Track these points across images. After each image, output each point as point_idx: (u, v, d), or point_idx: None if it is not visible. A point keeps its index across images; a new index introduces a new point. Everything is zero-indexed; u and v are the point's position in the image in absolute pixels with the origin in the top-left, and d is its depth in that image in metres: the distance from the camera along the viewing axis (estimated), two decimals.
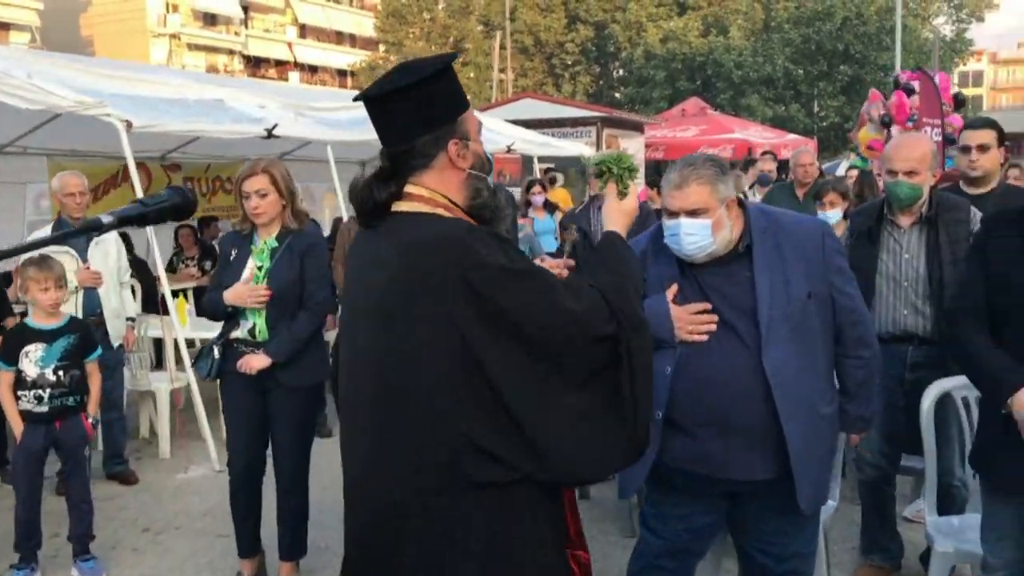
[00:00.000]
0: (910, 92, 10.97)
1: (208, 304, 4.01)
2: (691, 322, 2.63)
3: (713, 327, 2.62)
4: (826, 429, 2.74)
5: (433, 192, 1.99)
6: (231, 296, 3.82)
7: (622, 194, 2.34)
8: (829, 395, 2.75)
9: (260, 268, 3.87)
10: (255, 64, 53.59)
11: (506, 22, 34.99)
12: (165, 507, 5.29)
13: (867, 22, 29.61)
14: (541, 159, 12.57)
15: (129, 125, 5.95)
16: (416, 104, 1.95)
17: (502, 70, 35.54)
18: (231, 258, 3.93)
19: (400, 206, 1.99)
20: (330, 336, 5.15)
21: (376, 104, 1.99)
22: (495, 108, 16.35)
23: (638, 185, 2.45)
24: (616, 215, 2.30)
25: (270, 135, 7.08)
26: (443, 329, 1.83)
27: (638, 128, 16.77)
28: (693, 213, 2.59)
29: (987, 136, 4.38)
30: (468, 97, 2.13)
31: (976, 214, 3.75)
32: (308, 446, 4.01)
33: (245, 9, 53.53)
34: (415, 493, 1.89)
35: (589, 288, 1.95)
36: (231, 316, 3.91)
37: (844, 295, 2.72)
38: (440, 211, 1.97)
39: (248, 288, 3.81)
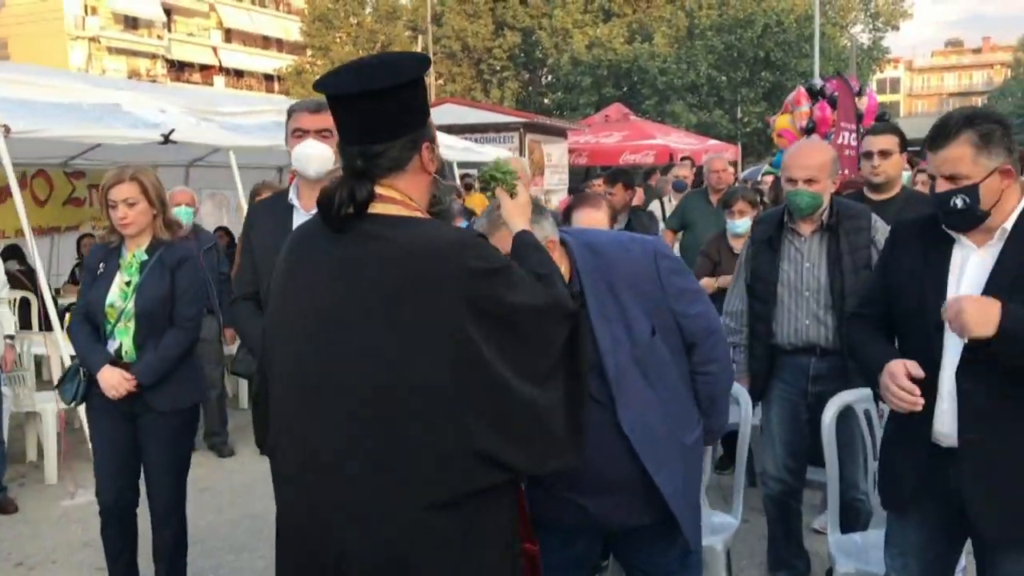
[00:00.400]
0: (834, 104, 11.08)
1: (71, 333, 3.74)
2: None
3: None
4: (696, 459, 2.62)
5: (403, 195, 1.93)
6: (103, 384, 3.56)
7: (513, 194, 2.26)
8: (693, 421, 2.59)
9: (128, 283, 3.60)
10: (179, 68, 52.39)
11: (427, 26, 34.79)
12: (43, 538, 4.95)
13: (787, 30, 30.16)
14: (461, 164, 12.38)
15: (7, 130, 5.60)
16: (400, 104, 1.90)
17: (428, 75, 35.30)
18: (98, 273, 3.65)
19: (376, 208, 1.90)
20: (231, 350, 4.86)
21: (355, 101, 1.89)
22: None
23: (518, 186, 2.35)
24: (516, 214, 2.23)
25: (167, 140, 6.77)
26: (450, 332, 1.80)
27: (561, 134, 16.73)
28: None
29: (889, 142, 4.34)
30: None
31: (877, 221, 3.68)
32: (184, 473, 3.75)
33: (168, 12, 52.31)
34: (425, 510, 1.81)
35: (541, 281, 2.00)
36: (96, 336, 3.63)
37: (689, 318, 2.52)
38: (416, 214, 1.93)
39: (119, 376, 3.54)
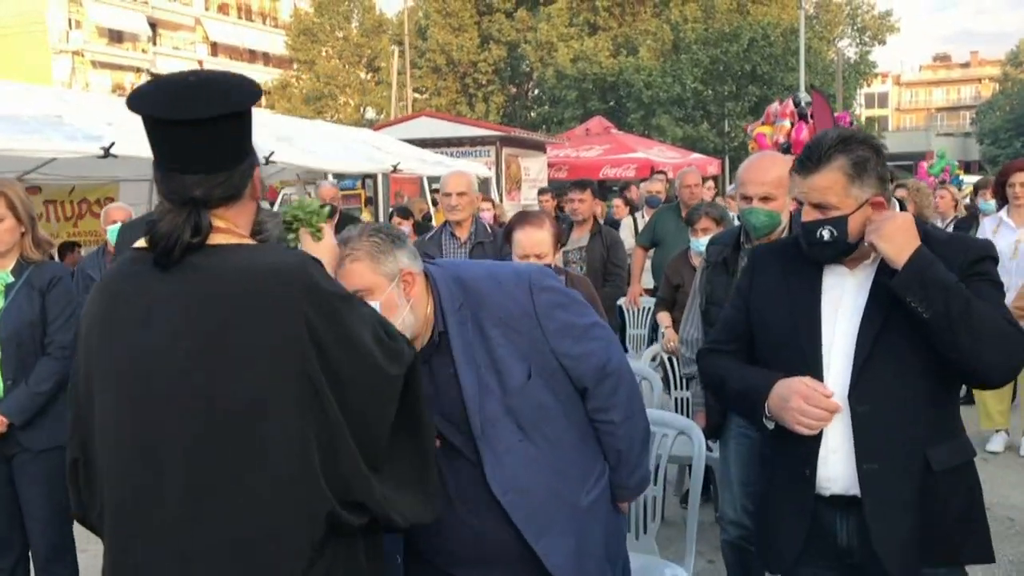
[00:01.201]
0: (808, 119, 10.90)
1: None
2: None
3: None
4: (596, 521, 2.25)
5: (231, 223, 1.77)
6: None
7: (316, 237, 2.08)
8: (591, 476, 2.25)
9: None
10: None
11: (405, 38, 34.62)
12: None
13: (773, 43, 30.05)
14: (433, 179, 12.08)
15: None
16: (240, 127, 1.75)
17: (414, 89, 35.11)
18: None
19: (212, 239, 1.73)
20: None
21: (200, 125, 1.69)
22: (391, 126, 15.84)
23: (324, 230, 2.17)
24: (322, 257, 1.97)
25: (107, 154, 6.43)
26: (294, 359, 1.66)
27: (540, 147, 16.45)
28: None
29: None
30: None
31: None
32: (69, 517, 3.38)
33: (153, 26, 52.05)
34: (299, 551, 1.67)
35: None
36: None
37: (573, 359, 2.19)
38: (247, 242, 1.79)
39: None
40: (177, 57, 52.99)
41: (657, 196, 8.54)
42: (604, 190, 19.06)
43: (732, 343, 2.44)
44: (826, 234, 2.14)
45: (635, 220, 8.38)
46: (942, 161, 17.47)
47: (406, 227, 8.49)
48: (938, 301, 2.02)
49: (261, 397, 1.65)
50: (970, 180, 13.59)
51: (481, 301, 2.15)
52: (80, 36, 48.38)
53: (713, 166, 20.17)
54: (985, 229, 6.20)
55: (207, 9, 54.64)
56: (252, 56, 56.99)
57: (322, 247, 2.06)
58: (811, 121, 10.89)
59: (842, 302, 2.23)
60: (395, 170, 10.45)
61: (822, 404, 2.14)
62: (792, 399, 2.15)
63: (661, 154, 19.03)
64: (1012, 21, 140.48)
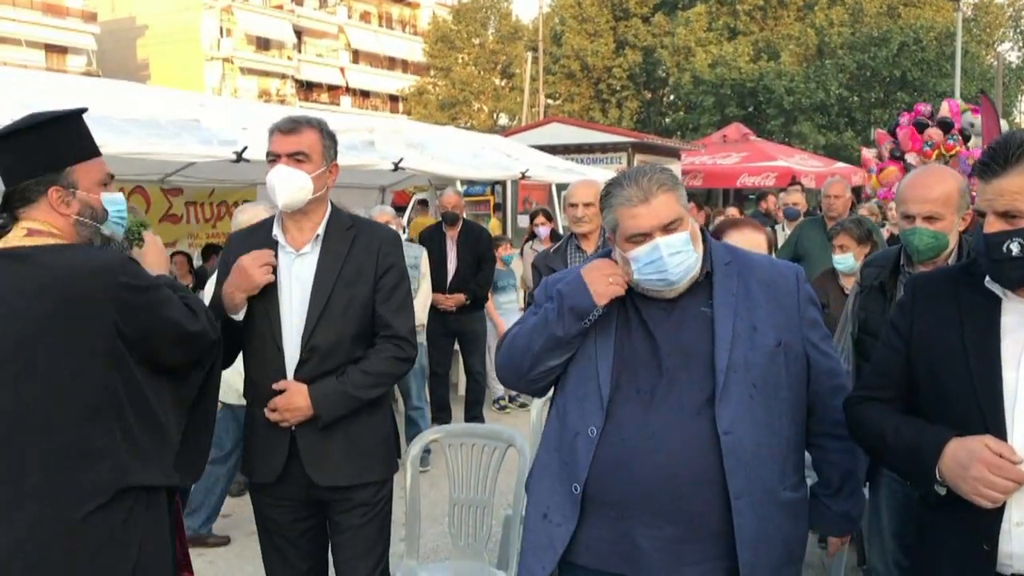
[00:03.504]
0: (922, 127, 10.13)
1: None
2: (607, 275, 2.13)
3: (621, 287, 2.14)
4: (787, 521, 2.13)
5: (52, 227, 2.24)
6: None
7: (139, 244, 2.61)
8: (794, 478, 2.16)
9: None
10: (307, 88, 53.95)
11: (540, 44, 34.59)
12: None
13: (926, 48, 28.52)
14: (561, 187, 11.89)
15: None
16: (17, 152, 2.24)
17: (547, 95, 35.08)
18: None
19: (20, 242, 2.21)
20: None
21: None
22: (520, 132, 15.74)
23: None
24: (150, 260, 2.58)
25: (239, 159, 6.50)
26: (103, 347, 2.14)
27: (674, 154, 16.02)
28: (669, 228, 2.09)
29: None
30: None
31: None
32: None
33: (298, 34, 53.97)
34: (69, 518, 2.11)
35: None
36: None
37: (821, 353, 2.22)
38: (75, 241, 2.28)
39: None
40: (321, 64, 54.84)
41: (796, 208, 8.07)
42: (741, 199, 18.47)
43: (888, 390, 2.11)
44: (1016, 248, 1.79)
45: (775, 232, 7.95)
46: None
47: (545, 228, 8.32)
48: None
49: (80, 369, 2.12)
50: None
51: (750, 265, 2.23)
52: (230, 44, 50.64)
53: (858, 175, 19.24)
54: None
55: (349, 17, 56.29)
56: (391, 63, 58.39)
57: (146, 251, 2.58)
58: (947, 131, 10.11)
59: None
60: (524, 177, 10.29)
61: (1011, 474, 1.79)
62: (973, 466, 1.81)
63: (803, 163, 18.28)
64: None
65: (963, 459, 1.83)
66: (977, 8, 32.93)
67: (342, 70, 56.38)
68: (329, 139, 2.86)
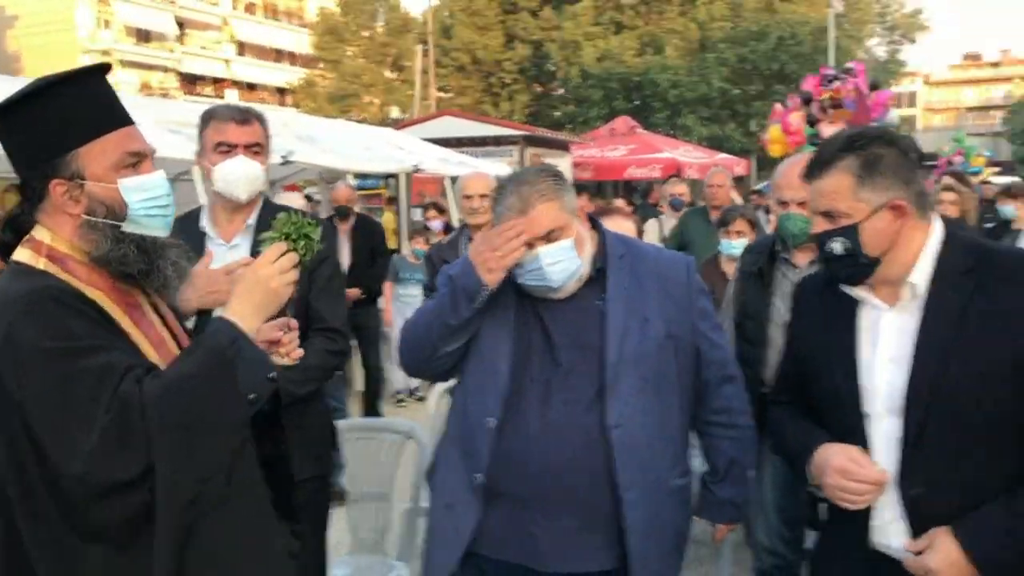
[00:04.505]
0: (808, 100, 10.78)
1: None
2: (500, 244, 2.10)
3: (519, 248, 2.12)
4: (676, 509, 2.23)
5: (57, 237, 1.73)
6: None
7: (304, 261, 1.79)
8: (682, 466, 2.26)
9: None
10: (191, 82, 52.36)
11: (429, 36, 34.52)
12: None
13: (802, 42, 29.60)
14: (455, 180, 11.93)
15: None
16: (16, 131, 1.71)
17: (438, 88, 35.00)
18: None
19: (17, 253, 1.74)
20: None
21: None
22: (413, 125, 15.70)
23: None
24: (250, 295, 1.76)
25: None
26: None
27: (564, 147, 16.26)
28: (550, 236, 2.15)
29: None
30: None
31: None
32: None
33: (181, 25, 52.30)
34: None
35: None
36: None
37: (711, 343, 2.31)
38: (43, 263, 1.70)
39: None
40: (204, 56, 53.31)
41: (681, 198, 8.32)
42: (630, 190, 18.85)
43: (791, 393, 2.19)
44: (837, 246, 1.86)
45: (660, 224, 8.17)
46: (960, 145, 16.71)
47: (439, 222, 8.34)
48: None
49: None
50: (1000, 181, 13.21)
51: (643, 257, 2.30)
52: (109, 35, 48.71)
53: (740, 166, 19.89)
54: None
55: (234, 8, 54.87)
56: (278, 55, 57.21)
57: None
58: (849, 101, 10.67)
59: (878, 347, 1.91)
60: (417, 170, 10.29)
61: (864, 478, 1.86)
62: (828, 474, 1.89)
63: (687, 154, 18.79)
64: None
65: (822, 466, 1.92)
66: (848, 4, 34.34)
67: (227, 62, 54.94)
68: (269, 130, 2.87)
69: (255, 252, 2.67)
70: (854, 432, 1.93)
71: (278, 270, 1.72)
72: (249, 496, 1.64)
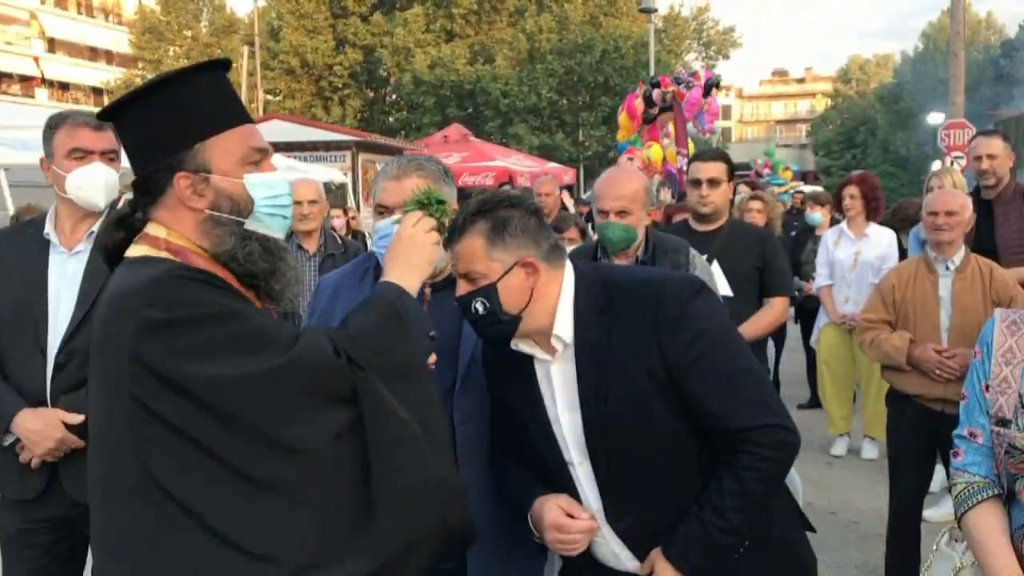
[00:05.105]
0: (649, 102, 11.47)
1: None
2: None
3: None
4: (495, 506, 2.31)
5: (173, 232, 1.68)
6: None
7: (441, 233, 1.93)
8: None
9: None
10: None
11: (256, 37, 33.73)
12: None
13: (624, 56, 30.78)
14: None
15: None
16: (138, 124, 1.68)
17: (266, 91, 34.17)
18: None
19: (130, 249, 1.69)
20: None
21: (112, 121, 1.76)
22: None
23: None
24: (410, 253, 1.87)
25: None
26: (127, 407, 1.52)
27: (397, 153, 16.20)
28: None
29: (718, 170, 4.07)
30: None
31: (695, 257, 3.38)
32: None
33: None
34: None
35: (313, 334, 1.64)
36: None
37: None
38: (163, 254, 1.65)
39: None
40: (10, 53, 49.79)
41: None
42: (463, 197, 19.00)
43: (504, 445, 2.21)
44: (479, 307, 1.93)
45: None
46: (770, 158, 17.93)
47: None
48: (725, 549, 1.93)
49: (109, 414, 1.57)
50: (807, 189, 14.27)
51: None
52: None
53: (569, 175, 20.45)
54: (827, 241, 6.44)
55: (43, 3, 51.61)
56: (94, 54, 54.20)
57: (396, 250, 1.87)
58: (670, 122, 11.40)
59: (556, 396, 2.01)
60: None
61: (576, 530, 1.99)
62: (546, 530, 2.02)
63: (519, 163, 19.14)
64: (843, 38, 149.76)
65: (538, 523, 2.04)
66: (667, 20, 35.98)
67: (36, 60, 51.58)
68: None
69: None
70: (563, 479, 2.03)
71: (422, 229, 1.85)
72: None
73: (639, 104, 12.16)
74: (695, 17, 38.27)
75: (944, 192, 4.30)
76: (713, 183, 4.03)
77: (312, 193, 4.64)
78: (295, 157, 12.80)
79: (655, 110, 12.01)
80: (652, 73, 25.00)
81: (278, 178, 1.73)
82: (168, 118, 1.64)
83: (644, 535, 1.99)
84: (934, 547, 2.22)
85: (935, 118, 20.49)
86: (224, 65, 1.74)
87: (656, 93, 11.94)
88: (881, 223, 6.35)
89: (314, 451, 1.54)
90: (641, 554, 2.01)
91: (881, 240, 6.15)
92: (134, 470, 1.52)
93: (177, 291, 1.53)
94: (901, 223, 6.47)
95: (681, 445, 1.95)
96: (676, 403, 1.91)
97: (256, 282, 1.72)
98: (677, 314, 1.90)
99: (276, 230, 1.73)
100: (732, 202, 4.77)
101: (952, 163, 12.09)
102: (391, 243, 1.86)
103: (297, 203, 4.65)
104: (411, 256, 1.82)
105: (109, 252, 1.71)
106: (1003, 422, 1.99)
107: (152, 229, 1.67)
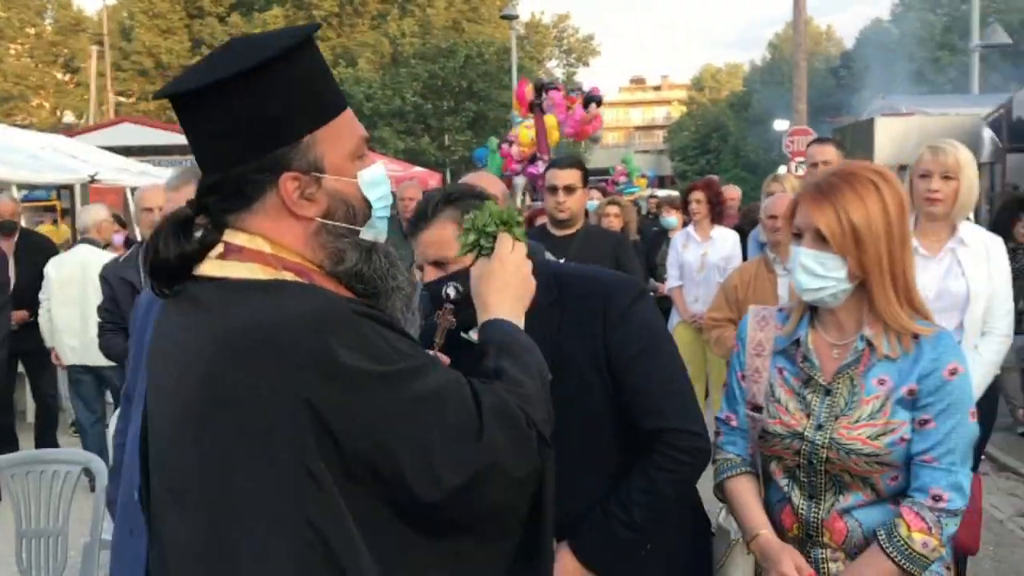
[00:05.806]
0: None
1: None
2: None
3: None
4: None
5: (279, 247, 1.30)
6: None
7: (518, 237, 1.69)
8: None
9: None
10: None
11: (105, 37, 32.36)
12: None
13: (488, 61, 31.07)
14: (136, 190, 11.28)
15: None
16: (229, 112, 1.26)
17: (117, 93, 32.77)
18: None
19: (213, 267, 1.29)
20: None
21: (179, 106, 1.30)
22: (88, 132, 14.64)
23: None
24: (499, 287, 1.58)
25: None
26: (280, 471, 1.18)
27: None
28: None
29: (573, 176, 4.20)
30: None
31: (552, 261, 3.46)
32: None
33: None
34: None
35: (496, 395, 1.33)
36: None
37: None
38: (286, 274, 1.28)
39: None
40: None
41: None
42: None
43: None
44: (451, 291, 1.93)
45: None
46: (627, 165, 18.57)
47: (120, 236, 7.79)
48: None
49: (239, 489, 1.20)
50: (662, 194, 14.79)
51: None
52: None
53: (434, 180, 20.47)
54: (676, 244, 6.69)
55: None
56: None
57: (491, 272, 1.59)
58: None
59: None
60: (93, 180, 9.59)
61: None
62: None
63: (386, 167, 19.03)
64: (697, 48, 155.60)
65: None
66: (529, 27, 36.53)
67: None
68: None
69: None
70: None
71: (522, 258, 1.60)
72: None
73: (528, 91, 13.49)
74: (556, 25, 39.02)
75: (782, 196, 4.53)
76: (569, 190, 4.16)
77: (164, 199, 4.46)
78: (149, 161, 12.36)
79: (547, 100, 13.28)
80: (515, 79, 25.40)
81: (381, 172, 1.42)
82: (268, 104, 1.27)
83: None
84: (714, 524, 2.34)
85: (781, 125, 21.58)
86: (312, 32, 1.35)
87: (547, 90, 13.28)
88: (735, 227, 6.65)
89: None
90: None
91: (726, 242, 6.43)
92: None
93: (363, 332, 1.22)
94: (750, 225, 6.79)
95: (605, 440, 2.04)
96: (610, 396, 2.01)
97: (380, 304, 1.39)
98: (625, 311, 2.02)
99: (380, 234, 1.42)
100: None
101: (796, 168, 12.73)
102: (488, 271, 1.59)
103: (147, 210, 4.46)
104: (518, 288, 1.58)
105: (170, 269, 1.31)
106: (756, 408, 2.14)
107: (245, 240, 1.31)
